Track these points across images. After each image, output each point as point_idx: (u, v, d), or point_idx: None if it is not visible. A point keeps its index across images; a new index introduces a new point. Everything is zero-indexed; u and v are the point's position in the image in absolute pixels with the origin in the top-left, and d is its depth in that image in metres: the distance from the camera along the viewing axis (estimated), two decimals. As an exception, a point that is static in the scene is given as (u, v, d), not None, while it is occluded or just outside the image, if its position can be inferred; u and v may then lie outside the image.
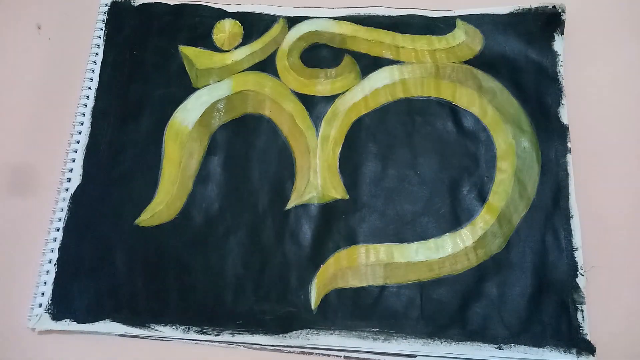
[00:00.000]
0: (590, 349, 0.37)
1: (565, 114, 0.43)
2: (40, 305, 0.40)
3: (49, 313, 0.40)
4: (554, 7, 0.45)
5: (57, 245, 0.42)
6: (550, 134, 0.43)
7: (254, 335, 0.39)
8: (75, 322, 0.40)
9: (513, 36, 0.45)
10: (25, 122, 0.46)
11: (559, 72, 0.44)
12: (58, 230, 0.42)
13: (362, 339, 0.38)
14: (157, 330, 0.39)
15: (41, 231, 0.42)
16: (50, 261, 0.41)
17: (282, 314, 0.40)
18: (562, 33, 0.45)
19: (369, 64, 0.46)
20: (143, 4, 0.49)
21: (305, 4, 0.48)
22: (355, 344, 0.38)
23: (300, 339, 0.39)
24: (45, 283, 0.41)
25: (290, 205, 0.42)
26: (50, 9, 0.50)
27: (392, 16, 0.47)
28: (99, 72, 0.46)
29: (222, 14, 0.48)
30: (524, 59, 0.45)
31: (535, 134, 0.43)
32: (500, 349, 0.38)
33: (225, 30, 0.48)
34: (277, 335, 0.39)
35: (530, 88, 0.44)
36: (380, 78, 0.45)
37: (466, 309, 0.39)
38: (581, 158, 0.42)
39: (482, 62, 0.45)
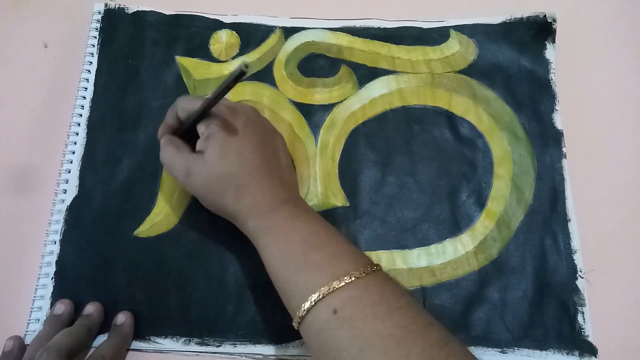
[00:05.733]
0: (592, 350, 0.38)
1: (560, 120, 0.44)
2: (37, 320, 0.39)
3: (46, 328, 0.39)
4: (544, 16, 0.46)
5: (54, 258, 0.41)
6: (545, 140, 0.43)
7: (257, 345, 0.39)
8: (73, 337, 0.39)
9: (506, 45, 0.46)
10: (22, 132, 0.45)
11: (552, 79, 0.45)
12: (55, 242, 0.41)
13: (366, 347, 0.38)
14: (157, 342, 0.39)
15: (38, 244, 0.41)
16: (47, 275, 0.40)
17: (285, 323, 0.39)
18: (553, 41, 0.46)
19: (366, 74, 0.46)
20: (137, 11, 0.48)
21: (302, 15, 0.49)
22: (360, 352, 0.38)
23: (304, 348, 0.38)
24: (42, 297, 0.40)
25: (291, 213, 0.42)
26: (46, 17, 0.50)
27: (387, 28, 0.48)
28: (93, 81, 0.46)
29: (218, 25, 0.48)
30: (517, 67, 0.46)
31: (529, 140, 0.44)
32: (504, 353, 0.38)
33: (222, 41, 0.48)
34: (280, 345, 0.38)
35: (524, 95, 0.45)
36: (378, 87, 0.46)
37: (469, 314, 0.39)
38: (576, 162, 0.43)
39: (476, 71, 0.46)
